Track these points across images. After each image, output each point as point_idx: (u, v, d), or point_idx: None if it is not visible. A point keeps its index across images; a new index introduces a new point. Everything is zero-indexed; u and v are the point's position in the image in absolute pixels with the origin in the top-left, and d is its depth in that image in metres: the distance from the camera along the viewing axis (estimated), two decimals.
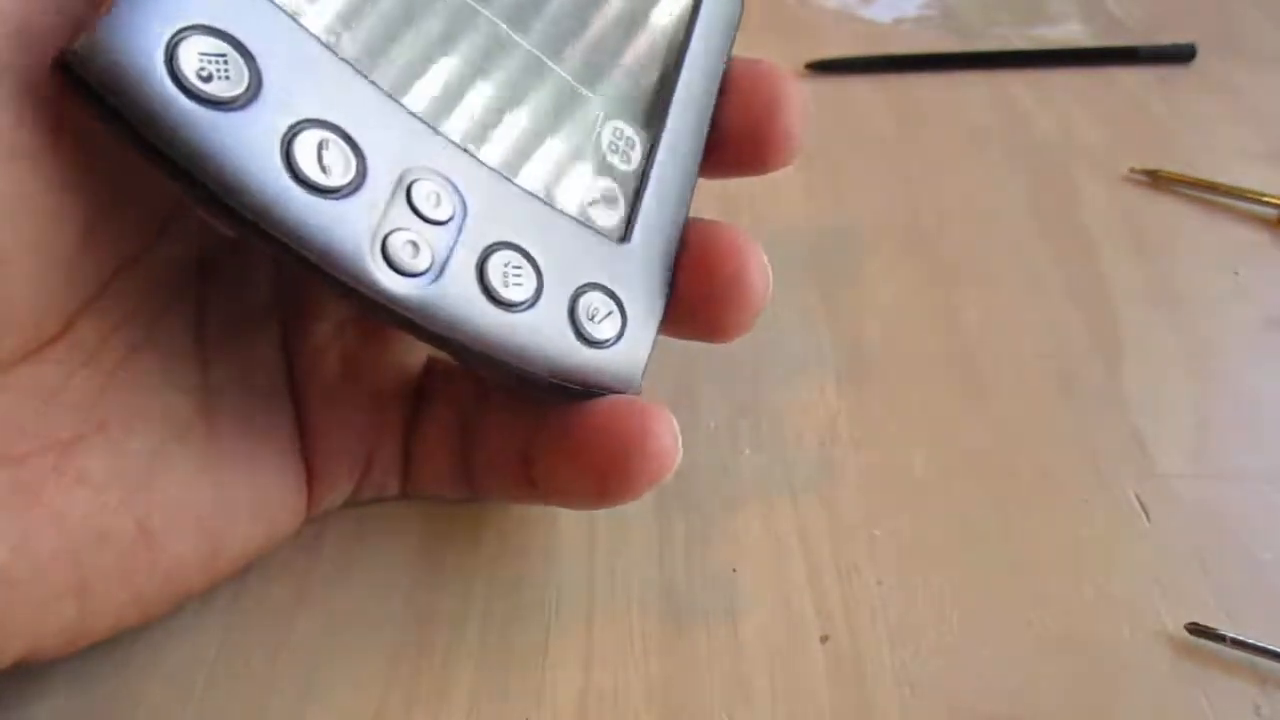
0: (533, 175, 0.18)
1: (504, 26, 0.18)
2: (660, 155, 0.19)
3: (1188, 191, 0.31)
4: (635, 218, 0.19)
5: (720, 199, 0.29)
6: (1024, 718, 0.19)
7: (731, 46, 0.21)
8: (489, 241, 0.17)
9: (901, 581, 0.21)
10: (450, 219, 0.16)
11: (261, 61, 0.15)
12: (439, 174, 0.16)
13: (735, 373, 0.25)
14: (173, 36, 0.14)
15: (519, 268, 0.17)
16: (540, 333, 0.17)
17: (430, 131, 0.17)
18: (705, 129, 0.20)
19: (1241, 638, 0.20)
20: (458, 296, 0.16)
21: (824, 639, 0.20)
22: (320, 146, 0.15)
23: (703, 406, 0.25)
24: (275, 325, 0.20)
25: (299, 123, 0.15)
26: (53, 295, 0.16)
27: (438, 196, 0.16)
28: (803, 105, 0.20)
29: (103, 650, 0.18)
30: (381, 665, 0.19)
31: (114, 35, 0.14)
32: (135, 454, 0.17)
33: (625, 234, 0.19)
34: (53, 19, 0.15)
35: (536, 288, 0.17)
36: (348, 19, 0.16)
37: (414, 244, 0.16)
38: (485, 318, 0.17)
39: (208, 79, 0.14)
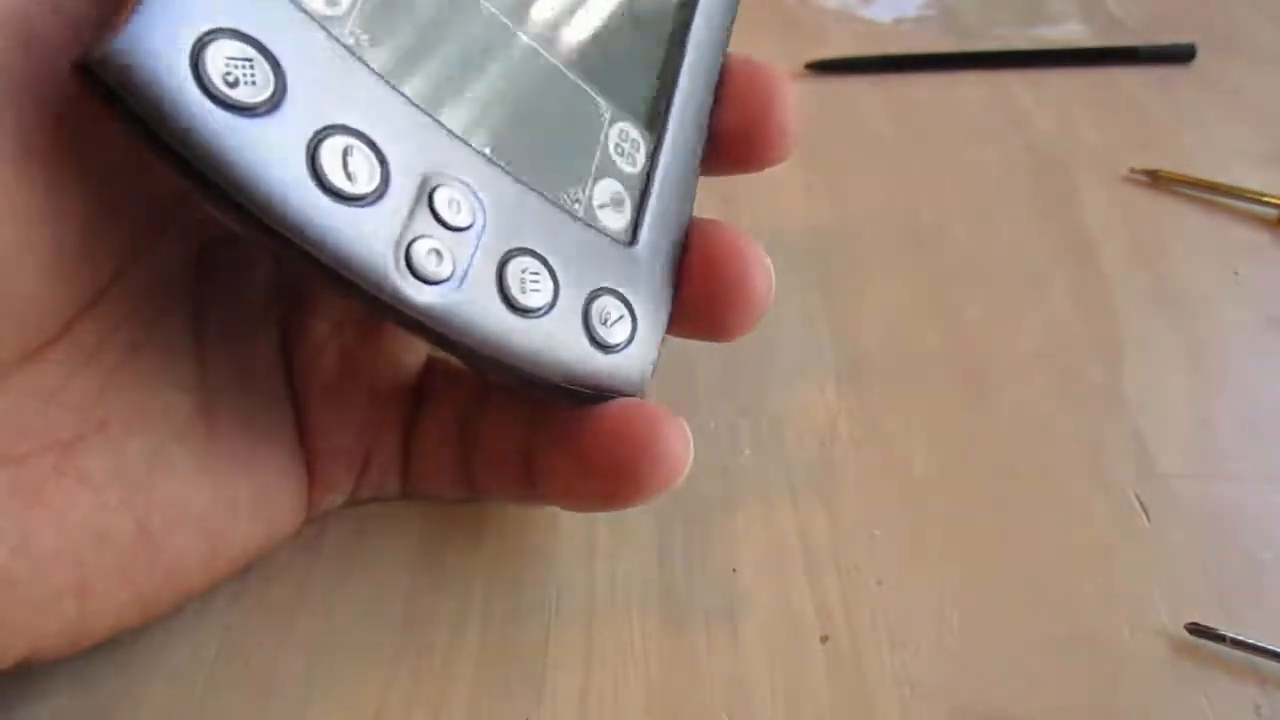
0: (545, 179, 0.18)
1: (524, 38, 0.18)
2: (664, 156, 0.19)
3: (1188, 191, 0.31)
4: (642, 220, 0.19)
5: (720, 199, 0.29)
6: (1024, 718, 0.19)
7: (728, 43, 0.21)
8: (507, 248, 0.17)
9: (901, 581, 0.21)
10: (470, 225, 0.16)
11: (286, 66, 0.14)
12: (458, 179, 0.16)
13: (735, 373, 0.25)
14: (198, 40, 0.14)
15: (536, 274, 0.17)
16: (555, 339, 0.17)
17: (449, 136, 0.16)
18: (705, 128, 0.20)
19: (1241, 638, 0.20)
20: (478, 304, 0.16)
21: (824, 639, 0.20)
22: (345, 153, 0.15)
23: (703, 407, 0.25)
24: (274, 324, 0.20)
25: (324, 129, 0.15)
26: (53, 296, 0.16)
27: (459, 203, 0.16)
28: (797, 102, 0.20)
29: (104, 650, 0.18)
30: (381, 665, 0.19)
31: (138, 38, 0.13)
32: (135, 454, 0.17)
33: (633, 237, 0.19)
34: (52, 19, 0.15)
35: (553, 293, 0.17)
36: (370, 24, 0.16)
37: (437, 252, 0.16)
38: (503, 325, 0.16)
39: (234, 84, 0.14)
